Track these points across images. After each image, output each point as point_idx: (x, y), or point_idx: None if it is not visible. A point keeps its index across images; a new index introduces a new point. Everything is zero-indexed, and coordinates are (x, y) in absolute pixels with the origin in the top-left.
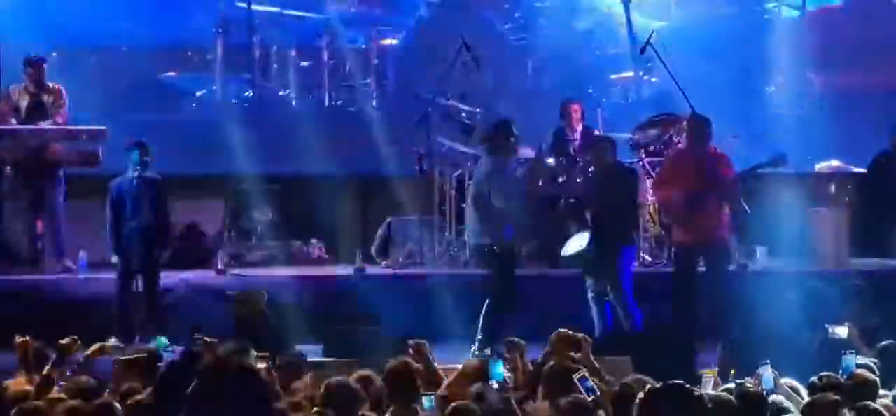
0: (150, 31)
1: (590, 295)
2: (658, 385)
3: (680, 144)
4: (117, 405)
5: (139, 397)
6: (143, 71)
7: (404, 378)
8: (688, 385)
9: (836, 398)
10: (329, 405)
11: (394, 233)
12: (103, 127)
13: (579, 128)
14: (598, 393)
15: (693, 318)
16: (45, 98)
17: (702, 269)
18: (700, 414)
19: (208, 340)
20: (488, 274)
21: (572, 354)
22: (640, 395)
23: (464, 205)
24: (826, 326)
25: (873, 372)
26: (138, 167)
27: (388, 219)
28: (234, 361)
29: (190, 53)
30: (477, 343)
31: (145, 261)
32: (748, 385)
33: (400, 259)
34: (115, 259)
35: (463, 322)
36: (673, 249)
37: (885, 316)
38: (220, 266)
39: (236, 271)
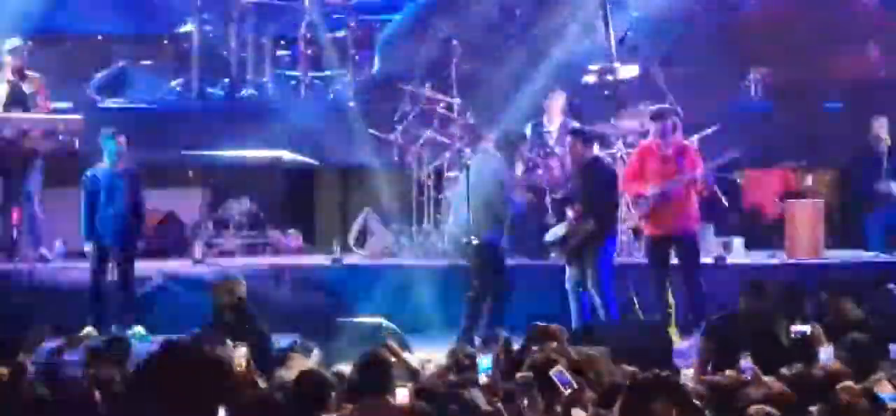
0: (125, 20)
1: (568, 285)
2: (641, 376)
3: (649, 137)
4: (96, 393)
5: (113, 385)
6: (118, 60)
7: (378, 369)
8: (670, 374)
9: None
10: (299, 395)
11: (372, 223)
12: (79, 116)
13: (558, 120)
14: (575, 387)
15: (667, 310)
16: (25, 87)
17: (676, 261)
18: (683, 403)
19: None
20: (470, 265)
21: (552, 345)
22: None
23: (441, 196)
24: (789, 325)
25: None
26: (114, 156)
27: (366, 209)
28: (192, 350)
29: (166, 42)
30: (460, 333)
31: (121, 250)
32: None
33: (378, 249)
34: (88, 248)
35: (441, 313)
36: (645, 241)
37: (861, 309)
38: (197, 256)
39: (213, 260)
